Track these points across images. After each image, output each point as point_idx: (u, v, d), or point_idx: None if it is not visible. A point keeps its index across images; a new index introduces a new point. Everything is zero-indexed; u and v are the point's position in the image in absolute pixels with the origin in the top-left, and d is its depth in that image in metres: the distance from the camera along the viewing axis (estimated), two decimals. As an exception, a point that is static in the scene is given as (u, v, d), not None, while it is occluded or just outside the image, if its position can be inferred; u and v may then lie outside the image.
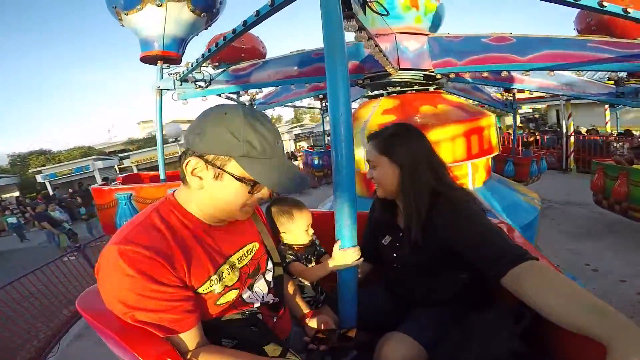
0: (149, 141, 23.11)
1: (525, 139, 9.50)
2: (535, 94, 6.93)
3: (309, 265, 1.22)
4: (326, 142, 10.74)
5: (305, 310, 1.09)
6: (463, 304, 1.06)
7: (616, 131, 9.87)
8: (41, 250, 8.64)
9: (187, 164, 0.74)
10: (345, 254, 1.00)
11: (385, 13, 1.85)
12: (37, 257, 6.82)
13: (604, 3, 1.54)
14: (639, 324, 0.58)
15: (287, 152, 16.96)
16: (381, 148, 1.09)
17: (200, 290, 0.76)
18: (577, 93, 4.07)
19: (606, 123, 10.95)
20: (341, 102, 0.95)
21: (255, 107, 5.70)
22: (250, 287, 0.90)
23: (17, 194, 20.85)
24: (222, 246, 0.84)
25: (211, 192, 0.76)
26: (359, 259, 1.02)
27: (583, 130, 10.49)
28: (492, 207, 2.81)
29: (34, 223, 10.81)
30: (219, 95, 4.13)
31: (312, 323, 1.04)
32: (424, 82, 3.31)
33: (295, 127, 27.18)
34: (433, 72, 3.23)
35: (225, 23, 2.20)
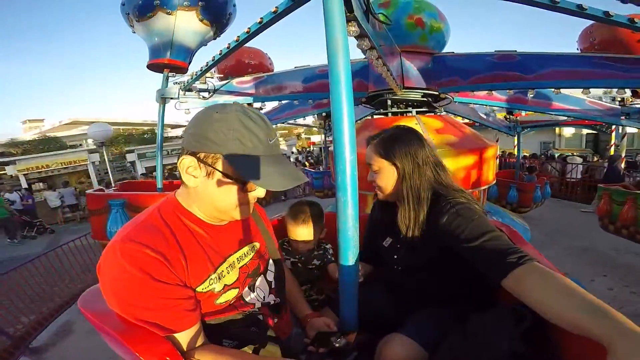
0: (43, 144, 16.88)
1: (529, 164, 9.36)
2: (540, 117, 6.93)
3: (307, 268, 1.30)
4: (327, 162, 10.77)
5: (307, 311, 1.09)
6: (463, 305, 1.05)
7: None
8: None
9: (181, 163, 0.75)
10: None
11: (389, 22, 1.87)
12: None
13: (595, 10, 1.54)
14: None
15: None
16: (380, 151, 1.10)
17: (199, 289, 0.77)
18: (582, 114, 4.08)
19: (514, 146, 11.38)
20: (345, 101, 0.90)
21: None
22: (252, 287, 0.90)
23: None
24: (222, 245, 0.85)
25: (206, 190, 0.77)
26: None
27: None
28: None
29: None
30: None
31: (313, 325, 1.03)
32: (429, 101, 3.32)
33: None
34: (437, 91, 3.24)
35: (235, 35, 2.21)
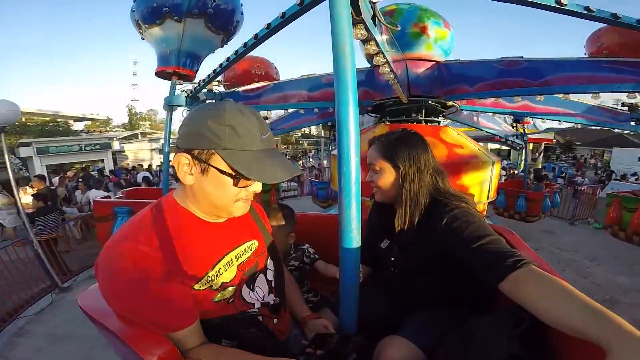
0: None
1: (538, 172, 9.19)
2: (546, 125, 6.87)
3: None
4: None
5: (305, 312, 1.09)
6: (462, 308, 1.06)
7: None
8: None
9: (176, 160, 0.76)
10: None
11: (396, 27, 1.87)
12: None
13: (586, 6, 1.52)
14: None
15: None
16: (384, 152, 1.11)
17: (197, 287, 0.76)
18: (591, 121, 4.03)
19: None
20: (351, 102, 0.90)
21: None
22: (251, 287, 0.90)
23: None
24: (220, 243, 0.85)
25: (201, 187, 0.77)
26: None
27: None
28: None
29: None
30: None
31: (311, 326, 1.03)
32: (435, 110, 3.30)
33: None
34: (444, 99, 3.23)
35: (241, 43, 2.23)
